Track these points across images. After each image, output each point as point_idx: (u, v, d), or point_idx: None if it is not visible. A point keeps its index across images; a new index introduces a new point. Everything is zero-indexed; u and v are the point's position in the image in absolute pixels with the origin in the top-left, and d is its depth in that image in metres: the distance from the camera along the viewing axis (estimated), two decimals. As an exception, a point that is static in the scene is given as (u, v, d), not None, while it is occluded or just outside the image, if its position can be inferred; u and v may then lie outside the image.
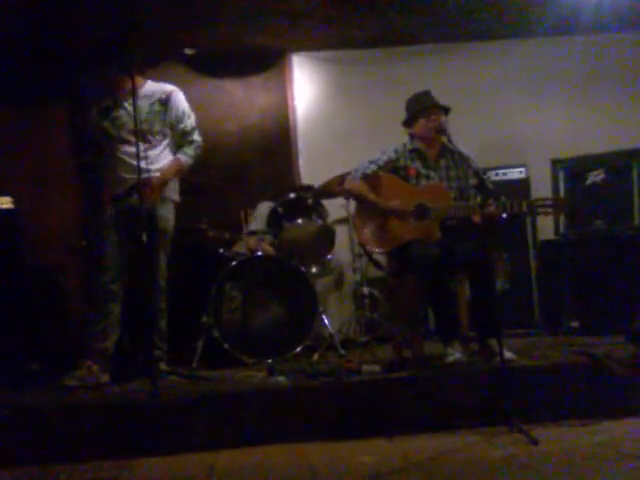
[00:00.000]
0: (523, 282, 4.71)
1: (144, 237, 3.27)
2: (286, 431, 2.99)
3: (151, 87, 3.62)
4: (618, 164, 4.45)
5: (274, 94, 5.55)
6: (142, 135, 3.42)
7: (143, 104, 3.52)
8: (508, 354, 3.23)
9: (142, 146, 3.34)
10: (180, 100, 3.59)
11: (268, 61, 5.55)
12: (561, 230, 4.55)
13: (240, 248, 4.51)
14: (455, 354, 3.34)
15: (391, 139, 3.84)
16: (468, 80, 5.42)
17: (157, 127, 3.56)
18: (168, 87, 3.62)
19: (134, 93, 3.32)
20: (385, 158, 3.70)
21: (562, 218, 4.51)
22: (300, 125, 5.54)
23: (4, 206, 4.05)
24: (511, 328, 4.31)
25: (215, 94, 5.49)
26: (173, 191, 3.67)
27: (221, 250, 4.44)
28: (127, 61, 3.43)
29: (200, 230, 4.49)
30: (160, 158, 3.55)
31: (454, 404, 3.09)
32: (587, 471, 2.43)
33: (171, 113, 3.57)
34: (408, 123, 3.79)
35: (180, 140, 3.62)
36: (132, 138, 3.41)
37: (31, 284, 4.09)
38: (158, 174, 3.50)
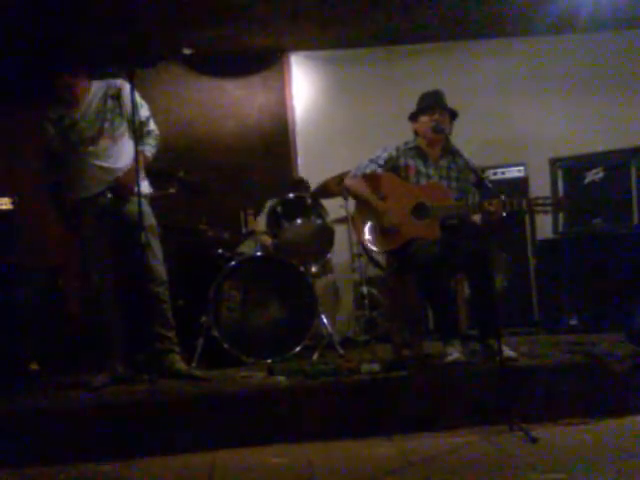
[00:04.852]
0: (522, 280, 4.71)
1: (143, 237, 3.29)
2: (286, 431, 2.99)
3: (98, 86, 3.61)
4: (617, 163, 4.45)
5: (273, 94, 5.56)
6: (105, 133, 3.50)
7: (98, 105, 3.54)
8: (510, 353, 3.24)
9: (107, 144, 3.49)
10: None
11: (267, 61, 5.56)
12: (560, 228, 4.55)
13: (244, 247, 4.50)
14: (455, 353, 3.33)
15: (390, 138, 3.82)
16: (467, 79, 5.42)
17: (116, 123, 3.56)
18: (116, 82, 3.59)
19: (133, 92, 3.31)
20: (385, 156, 3.69)
21: (561, 216, 4.51)
22: (299, 124, 5.55)
23: (3, 207, 4.04)
24: (510, 326, 4.32)
25: (214, 94, 5.49)
26: (143, 186, 3.67)
27: (220, 250, 4.44)
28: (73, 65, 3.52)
29: (200, 230, 4.48)
30: (124, 153, 3.55)
31: (454, 403, 3.09)
32: (587, 470, 2.43)
33: (125, 107, 3.55)
34: (412, 118, 3.78)
35: (138, 131, 3.60)
36: (97, 138, 3.50)
37: (30, 285, 4.08)
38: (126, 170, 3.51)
